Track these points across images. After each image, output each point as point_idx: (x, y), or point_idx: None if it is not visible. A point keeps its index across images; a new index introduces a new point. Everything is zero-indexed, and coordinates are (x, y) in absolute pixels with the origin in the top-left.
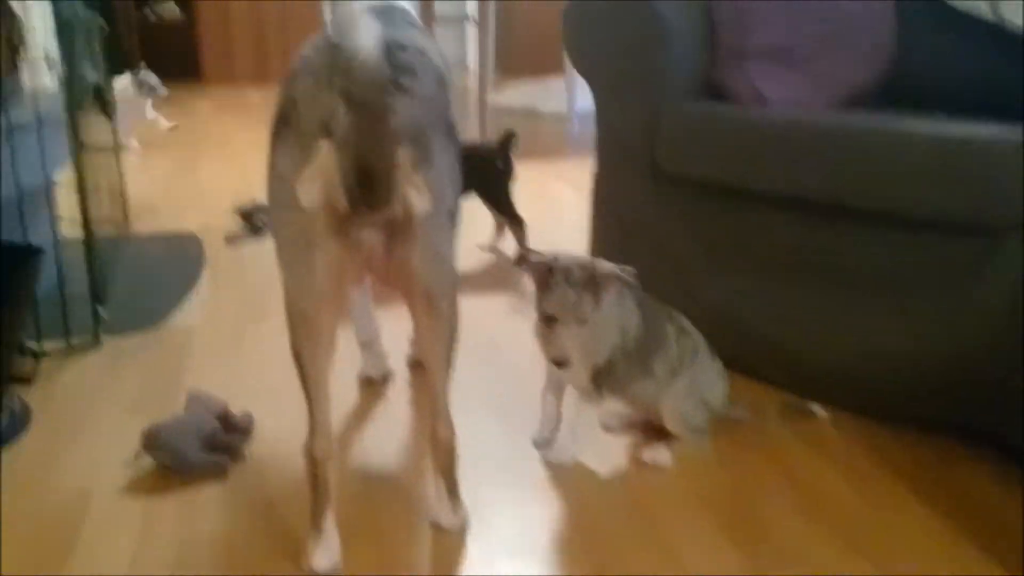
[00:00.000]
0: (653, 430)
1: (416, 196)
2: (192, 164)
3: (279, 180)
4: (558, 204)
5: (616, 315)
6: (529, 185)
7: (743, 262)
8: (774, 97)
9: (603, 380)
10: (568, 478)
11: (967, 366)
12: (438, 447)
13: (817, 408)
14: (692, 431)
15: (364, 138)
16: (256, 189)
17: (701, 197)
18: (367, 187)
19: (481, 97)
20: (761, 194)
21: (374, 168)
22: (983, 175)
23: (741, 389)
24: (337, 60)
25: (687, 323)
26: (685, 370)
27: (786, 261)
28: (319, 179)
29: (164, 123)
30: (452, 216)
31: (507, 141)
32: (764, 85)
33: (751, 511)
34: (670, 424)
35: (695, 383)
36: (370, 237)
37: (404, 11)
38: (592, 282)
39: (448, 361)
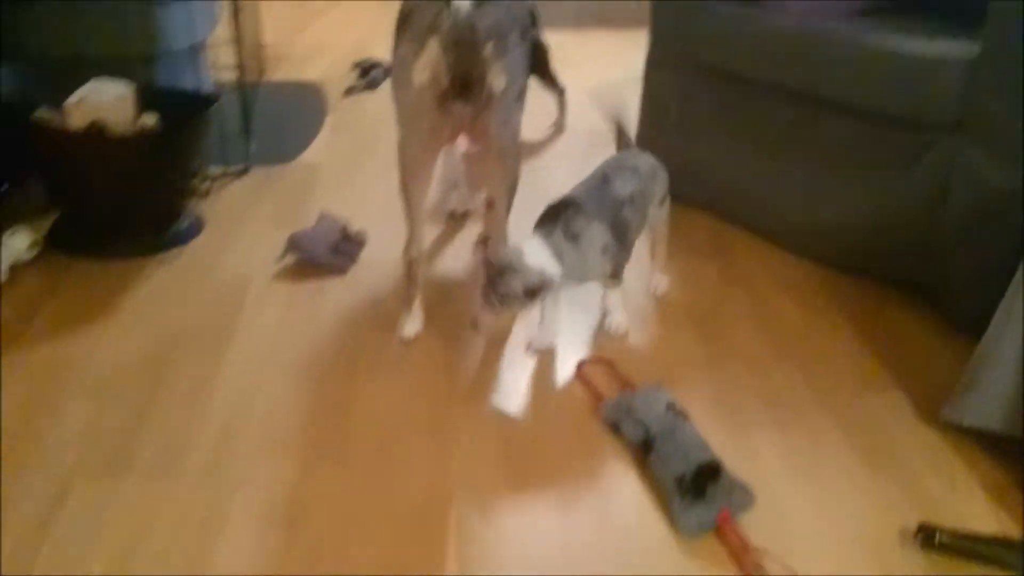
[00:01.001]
0: None
1: (495, 78)
2: (314, 16)
3: (400, 65)
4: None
5: (590, 255)
6: (608, 52)
7: (749, 139)
8: (799, 3)
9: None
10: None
11: (907, 231)
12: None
13: None
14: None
15: (460, 45)
16: (371, 46)
17: (722, 83)
18: (463, 81)
19: None
20: (763, 85)
21: (468, 68)
22: (928, 85)
23: (739, 241)
24: None
25: (631, 172)
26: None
27: (780, 140)
28: (428, 66)
29: None
30: (520, 93)
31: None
32: None
33: (719, 323)
34: (660, 241)
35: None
36: (461, 108)
37: None
38: (530, 292)
39: (509, 198)
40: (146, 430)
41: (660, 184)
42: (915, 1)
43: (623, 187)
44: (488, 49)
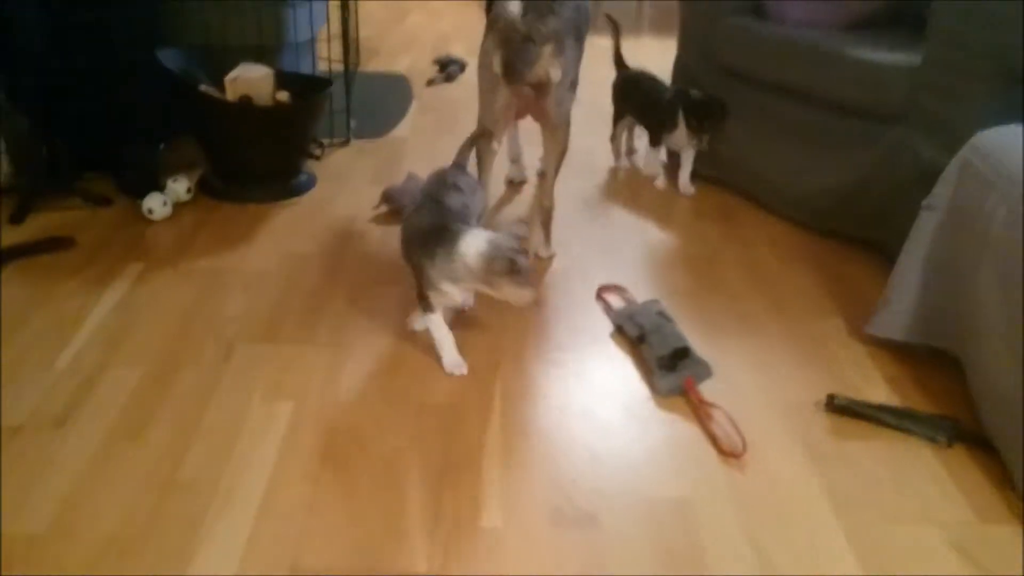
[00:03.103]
0: None
1: (552, 71)
2: (402, 15)
3: (484, 54)
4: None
5: None
6: (656, 54)
7: (758, 126)
8: (795, 17)
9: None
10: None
11: (867, 199)
12: (543, 210)
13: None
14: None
15: (508, 43)
16: (450, 44)
17: (738, 80)
18: (509, 70)
19: None
20: (764, 82)
21: (513, 60)
22: (884, 85)
23: (740, 208)
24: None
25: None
26: None
27: (775, 127)
28: (503, 58)
29: None
30: (573, 84)
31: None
32: (789, 8)
33: (713, 268)
34: None
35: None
36: (526, 90)
37: None
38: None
39: (558, 164)
40: (286, 312)
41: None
42: (891, 18)
43: (453, 202)
44: (548, 49)
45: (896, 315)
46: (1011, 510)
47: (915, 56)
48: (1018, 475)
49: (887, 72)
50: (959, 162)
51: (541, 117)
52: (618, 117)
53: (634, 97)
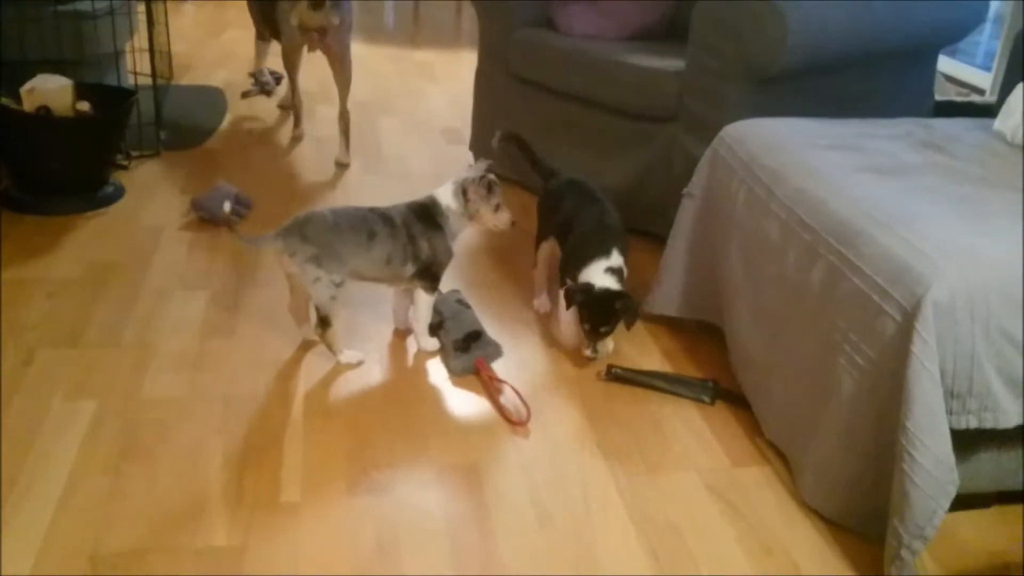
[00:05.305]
0: None
1: (334, 18)
2: (218, 30)
3: (283, 11)
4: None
5: None
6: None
7: (553, 132)
8: (582, 30)
9: None
10: None
11: (648, 193)
12: (342, 119)
13: None
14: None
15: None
16: (267, 57)
17: (533, 89)
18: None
19: None
20: (558, 91)
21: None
22: (654, 89)
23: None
24: None
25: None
26: None
27: (567, 129)
28: (297, 14)
29: None
30: (349, 27)
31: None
32: (576, 21)
33: (511, 259)
34: None
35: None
36: (315, 34)
37: None
38: None
39: (347, 83)
40: (90, 317)
41: None
42: (667, 30)
43: None
44: (330, 5)
45: (666, 294)
46: (760, 454)
47: (682, 63)
48: (764, 424)
49: (658, 77)
50: (710, 153)
51: (327, 49)
52: (541, 237)
53: (557, 216)
